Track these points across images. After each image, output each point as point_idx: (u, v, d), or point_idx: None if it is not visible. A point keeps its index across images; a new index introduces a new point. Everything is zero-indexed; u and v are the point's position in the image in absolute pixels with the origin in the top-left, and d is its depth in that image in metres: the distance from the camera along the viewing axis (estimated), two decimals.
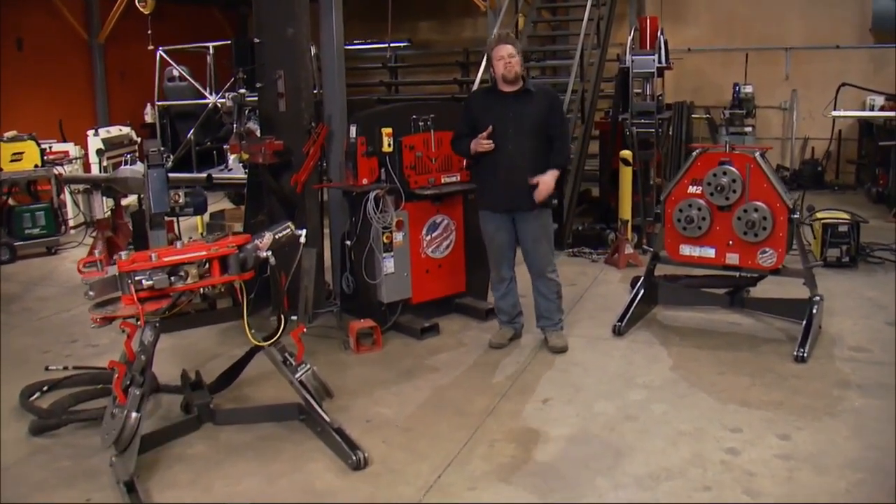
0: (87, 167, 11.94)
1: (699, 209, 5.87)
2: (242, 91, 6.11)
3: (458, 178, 6.33)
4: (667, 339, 5.93)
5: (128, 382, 4.11)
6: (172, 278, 3.76)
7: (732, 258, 5.88)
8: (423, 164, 6.15)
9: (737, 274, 6.21)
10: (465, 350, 5.84)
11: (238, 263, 3.86)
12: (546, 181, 5.49)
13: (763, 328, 6.16)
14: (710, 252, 5.95)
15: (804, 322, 5.68)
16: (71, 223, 10.85)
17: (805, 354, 5.41)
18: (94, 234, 9.42)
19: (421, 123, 6.18)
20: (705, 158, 5.87)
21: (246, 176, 7.22)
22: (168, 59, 11.52)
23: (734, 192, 5.73)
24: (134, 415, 4.02)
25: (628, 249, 8.10)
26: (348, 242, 6.25)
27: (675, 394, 4.96)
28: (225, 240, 3.93)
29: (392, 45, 15.96)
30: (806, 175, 13.11)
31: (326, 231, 6.94)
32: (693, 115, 14.07)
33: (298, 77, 6.44)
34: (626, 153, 8.39)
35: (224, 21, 16.83)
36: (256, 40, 6.46)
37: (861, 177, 13.19)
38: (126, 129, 12.87)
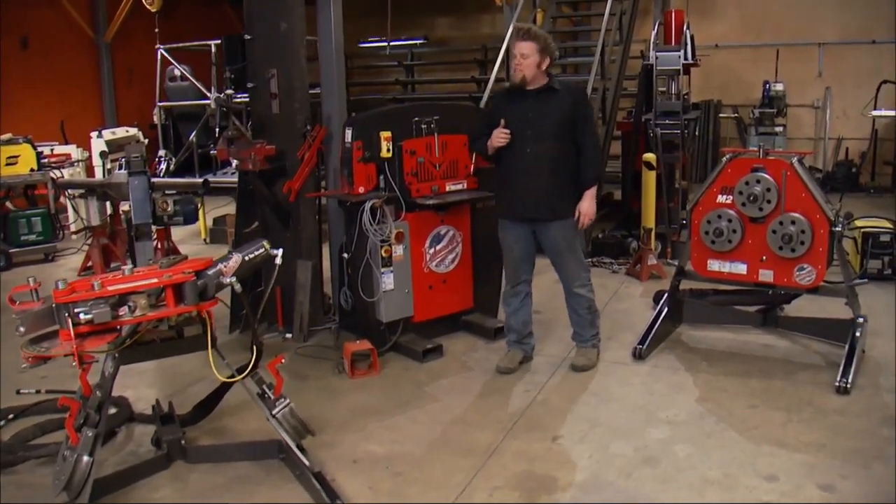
0: (90, 170, 11.55)
1: (729, 221, 5.32)
2: (230, 91, 5.63)
3: (465, 185, 5.81)
4: (692, 365, 5.38)
5: (81, 421, 3.64)
6: (120, 309, 3.28)
7: (766, 275, 5.32)
8: (425, 170, 5.64)
9: (769, 290, 5.64)
10: (469, 375, 5.33)
11: (196, 292, 3.37)
12: (586, 210, 5.09)
13: (799, 351, 5.59)
14: (741, 268, 5.40)
15: (846, 347, 5.11)
16: (73, 228, 10.46)
17: (848, 385, 4.83)
18: (88, 241, 9.04)
19: (424, 126, 5.66)
20: (736, 164, 5.32)
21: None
22: (169, 57, 11.09)
23: (769, 202, 5.17)
24: (86, 458, 3.55)
25: (651, 260, 7.54)
26: (345, 255, 5.75)
27: (701, 431, 4.41)
28: (181, 265, 3.43)
29: (407, 41, 15.49)
30: (840, 177, 12.43)
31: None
32: (720, 115, 13.52)
33: (292, 76, 5.96)
34: (650, 156, 7.82)
35: (235, 18, 16.36)
36: (247, 37, 5.99)
37: None
38: (133, 130, 12.47)
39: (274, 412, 3.98)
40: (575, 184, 5.14)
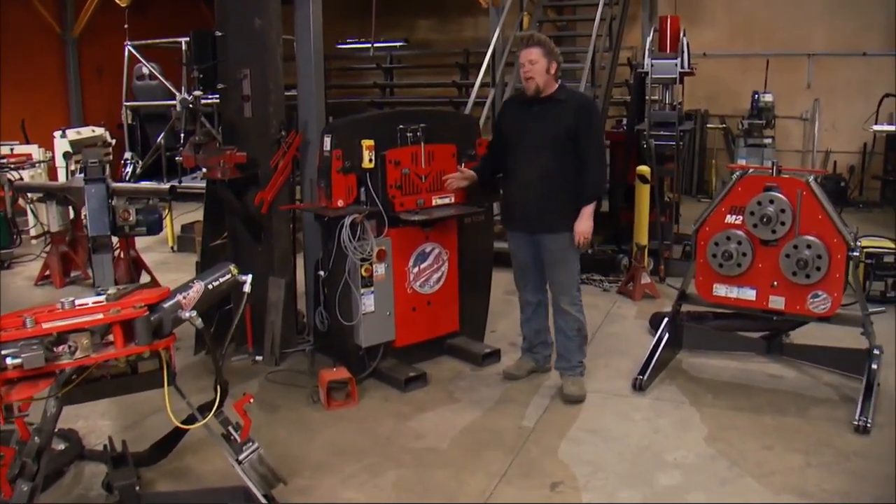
0: (52, 172, 10.96)
1: (739, 243, 4.93)
2: (198, 93, 5.15)
3: (452, 199, 5.37)
4: (697, 397, 4.97)
5: (16, 472, 3.16)
6: (56, 349, 2.80)
7: (777, 302, 4.94)
8: (410, 182, 5.20)
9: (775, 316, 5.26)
10: (456, 408, 4.88)
11: (149, 329, 2.90)
12: (582, 229, 4.79)
13: (809, 383, 5.21)
14: (749, 294, 5.01)
15: (864, 381, 4.74)
16: (33, 232, 9.88)
17: (868, 423, 4.45)
18: (47, 248, 8.49)
19: (409, 134, 5.21)
20: (747, 182, 4.93)
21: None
22: (137, 54, 10.54)
23: (782, 223, 4.79)
24: None
25: (645, 279, 7.14)
26: (321, 273, 5.28)
27: (714, 477, 4.00)
28: (131, 297, 2.96)
29: (387, 44, 15.04)
30: (828, 191, 12.06)
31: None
32: (707, 125, 13.21)
33: (267, 77, 5.50)
34: (644, 169, 7.42)
35: (210, 15, 15.78)
36: (218, 33, 5.51)
37: (887, 194, 12.29)
38: (100, 130, 11.86)
39: (240, 458, 3.52)
40: (573, 198, 4.85)
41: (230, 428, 3.56)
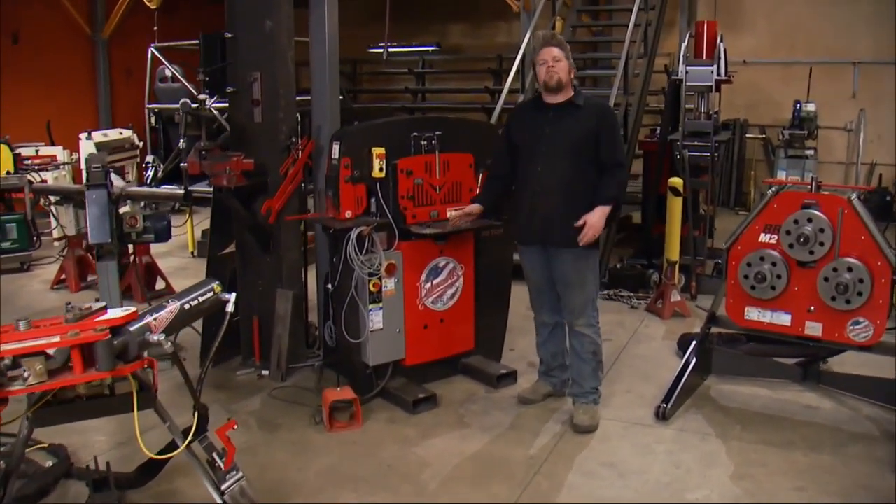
0: (77, 174, 10.86)
1: (773, 264, 4.59)
2: (204, 96, 4.93)
3: None
4: (725, 429, 4.63)
5: None
6: (10, 373, 2.57)
7: (813, 328, 4.59)
8: (423, 193, 4.93)
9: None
10: (466, 434, 4.59)
11: (111, 354, 2.66)
12: (592, 222, 4.42)
13: (848, 416, 4.84)
14: (784, 319, 4.67)
15: None
16: (55, 235, 9.78)
17: None
18: (63, 252, 8.37)
19: (423, 143, 4.94)
20: (784, 199, 4.59)
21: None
22: (160, 56, 10.40)
23: (821, 244, 4.44)
24: None
25: (675, 297, 6.79)
26: (329, 287, 5.03)
27: None
28: (92, 318, 2.72)
29: (418, 48, 14.82)
30: (872, 205, 11.60)
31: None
32: (747, 135, 12.77)
33: (277, 81, 5.27)
34: (676, 181, 7.05)
35: None
36: (228, 35, 5.30)
37: None
38: (127, 132, 11.77)
39: (223, 488, 3.28)
40: (592, 209, 4.54)
41: (215, 454, 3.33)
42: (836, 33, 12.28)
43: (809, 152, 11.85)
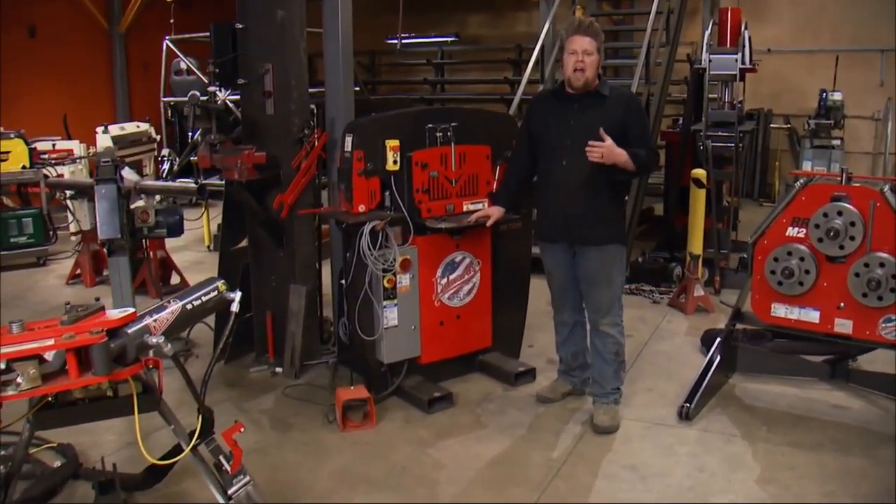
0: (92, 168, 10.82)
1: (801, 259, 4.42)
2: (212, 89, 4.82)
3: (486, 204, 4.95)
4: (750, 430, 4.47)
5: None
6: (3, 377, 2.48)
7: (843, 325, 4.42)
8: (439, 186, 4.80)
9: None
10: (482, 435, 4.47)
11: (108, 358, 2.55)
12: (609, 145, 4.16)
13: (878, 416, 4.67)
14: (812, 315, 4.50)
15: None
16: (71, 228, 9.74)
17: None
18: (78, 247, 8.32)
19: (439, 134, 4.81)
20: (812, 191, 4.41)
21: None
22: (175, 49, 10.32)
23: (852, 238, 4.27)
24: None
25: (698, 291, 6.61)
26: (343, 283, 4.92)
27: None
28: (89, 320, 2.61)
29: (437, 38, 14.68)
30: None
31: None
32: (771, 125, 12.52)
33: (289, 72, 5.16)
34: (699, 172, 6.88)
35: None
36: (239, 26, 5.19)
37: None
38: (144, 126, 11.73)
39: (230, 492, 3.18)
40: (619, 206, 4.46)
41: (222, 457, 3.23)
42: (862, 20, 11.99)
43: (836, 142, 11.57)
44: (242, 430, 3.18)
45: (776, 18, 12.47)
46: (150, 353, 2.76)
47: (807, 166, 11.64)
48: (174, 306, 2.78)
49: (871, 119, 12.17)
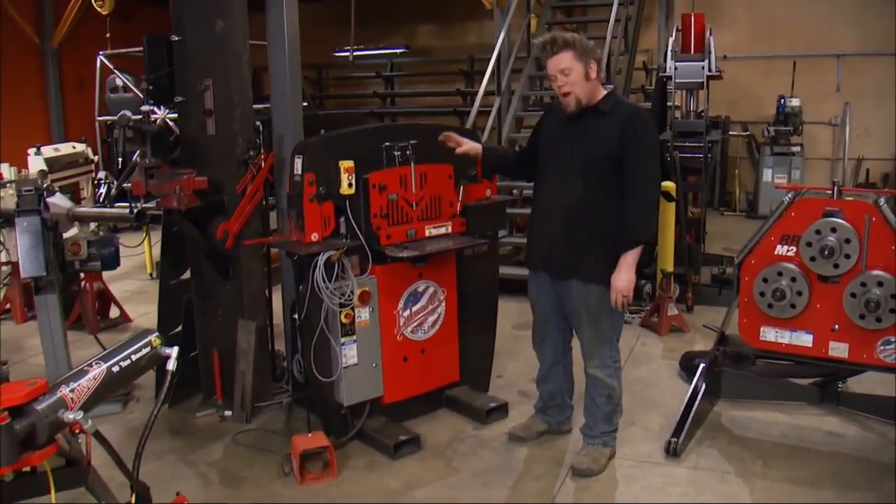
0: None
1: (793, 279, 4.11)
2: (146, 108, 4.36)
3: (449, 228, 4.55)
4: (744, 465, 4.14)
5: None
6: None
7: (839, 349, 4.13)
8: (398, 210, 4.39)
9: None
10: (455, 482, 4.06)
11: (11, 443, 2.09)
12: (619, 286, 3.78)
13: (876, 444, 4.37)
14: (805, 339, 4.20)
15: None
16: (2, 259, 9.10)
17: None
18: (6, 280, 7.72)
19: (397, 153, 4.40)
20: (802, 207, 4.11)
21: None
22: (109, 65, 9.77)
23: (847, 256, 3.98)
24: None
25: (672, 310, 6.30)
26: (296, 318, 4.48)
27: None
28: None
29: (386, 50, 14.30)
30: None
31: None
32: (729, 133, 12.36)
33: (231, 88, 4.72)
34: (668, 184, 6.57)
35: None
36: (175, 38, 4.74)
37: None
38: (81, 147, 11.07)
39: None
40: (610, 241, 3.84)
41: None
42: (818, 25, 11.94)
43: (795, 149, 11.54)
44: (186, 503, 2.73)
45: (732, 25, 12.33)
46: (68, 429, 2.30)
47: (767, 174, 11.55)
48: (97, 370, 2.33)
49: (828, 125, 12.09)
